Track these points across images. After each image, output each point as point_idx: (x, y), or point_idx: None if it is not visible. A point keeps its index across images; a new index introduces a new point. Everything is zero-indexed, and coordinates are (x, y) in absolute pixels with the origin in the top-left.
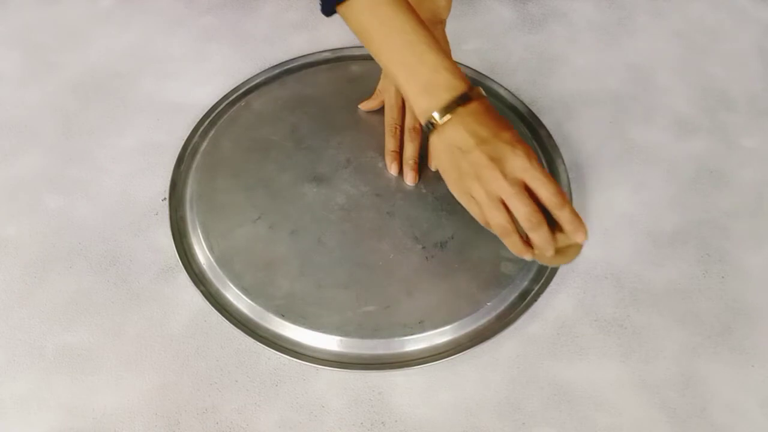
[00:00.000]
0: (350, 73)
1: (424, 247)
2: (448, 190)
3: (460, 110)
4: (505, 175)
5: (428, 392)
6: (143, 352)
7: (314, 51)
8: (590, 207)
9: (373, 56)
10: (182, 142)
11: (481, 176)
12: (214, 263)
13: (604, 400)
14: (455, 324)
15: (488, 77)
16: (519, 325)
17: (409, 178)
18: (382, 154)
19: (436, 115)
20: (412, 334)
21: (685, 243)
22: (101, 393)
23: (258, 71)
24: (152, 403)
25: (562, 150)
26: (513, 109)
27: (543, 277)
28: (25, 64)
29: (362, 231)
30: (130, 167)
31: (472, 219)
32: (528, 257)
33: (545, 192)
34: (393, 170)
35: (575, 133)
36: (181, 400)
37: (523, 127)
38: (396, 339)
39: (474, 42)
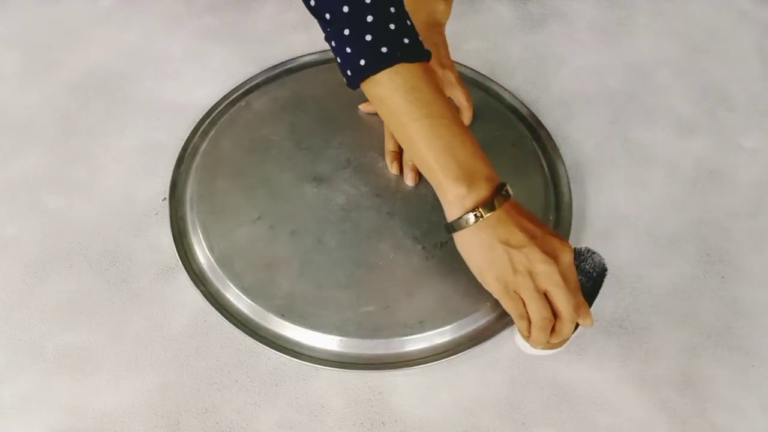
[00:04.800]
0: None
1: (424, 247)
2: None
3: (505, 204)
4: (558, 269)
5: (428, 392)
6: (143, 352)
7: (314, 51)
8: (590, 207)
9: (394, 132)
10: (182, 142)
11: (535, 271)
12: (214, 263)
13: (604, 400)
14: (455, 324)
15: (488, 77)
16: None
17: (410, 179)
18: (382, 154)
19: (481, 211)
20: (412, 334)
21: (685, 243)
22: (101, 393)
23: (258, 71)
24: (152, 403)
25: (562, 150)
26: (513, 109)
27: None
28: (25, 64)
29: (362, 231)
30: (130, 167)
31: None
32: (538, 349)
33: (573, 280)
34: (394, 170)
35: (575, 133)
36: (181, 400)
37: (523, 127)
38: (396, 339)
39: (474, 42)
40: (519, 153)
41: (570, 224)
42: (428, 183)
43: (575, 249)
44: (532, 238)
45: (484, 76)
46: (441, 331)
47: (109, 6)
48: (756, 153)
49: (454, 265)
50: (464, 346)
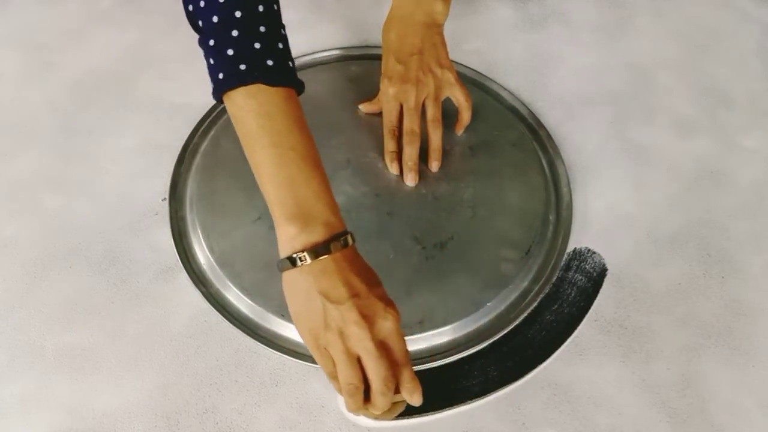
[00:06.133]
0: (350, 73)
1: (424, 247)
2: (447, 190)
3: (336, 254)
4: (372, 335)
5: (428, 392)
6: (143, 352)
7: (314, 51)
8: (590, 207)
9: (246, 156)
10: (182, 142)
11: (347, 333)
12: (214, 263)
13: (604, 400)
14: (455, 324)
15: (488, 77)
16: (519, 325)
17: (410, 179)
18: (382, 155)
19: (305, 254)
20: (412, 334)
21: (685, 243)
22: (101, 393)
23: None
24: (152, 403)
25: (562, 150)
26: (513, 109)
27: (543, 277)
28: (25, 64)
29: (362, 231)
30: (130, 167)
31: (471, 220)
32: (360, 414)
33: (399, 351)
34: (394, 170)
35: (575, 133)
36: (181, 400)
37: (523, 127)
38: None
39: (474, 42)
40: (519, 153)
41: (570, 224)
42: (428, 183)
43: (575, 249)
44: (354, 296)
45: (484, 76)
46: (441, 331)
47: (109, 6)
48: (756, 153)
49: (454, 265)
50: (464, 346)
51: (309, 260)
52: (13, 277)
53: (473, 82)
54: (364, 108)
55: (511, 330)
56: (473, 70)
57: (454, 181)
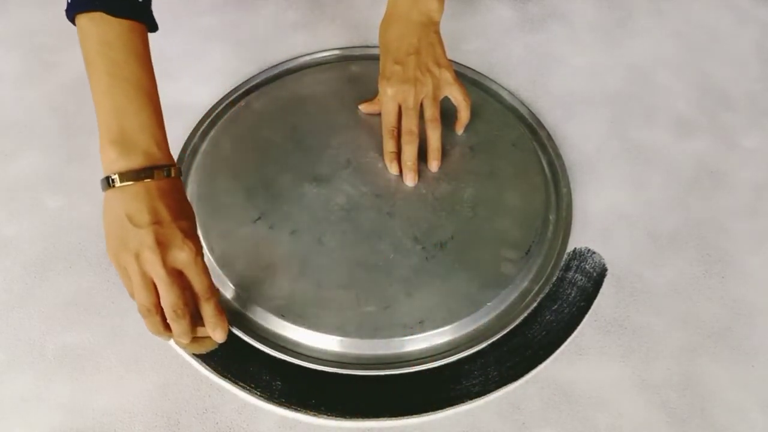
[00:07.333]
0: (350, 73)
1: (424, 248)
2: (447, 190)
3: (150, 182)
4: (164, 262)
5: (428, 392)
6: (143, 352)
7: (314, 51)
8: (590, 207)
9: (88, 78)
10: (182, 143)
11: (141, 256)
12: (214, 263)
13: (604, 400)
14: (455, 324)
15: (488, 77)
16: (519, 325)
17: (409, 179)
18: (382, 155)
19: (116, 177)
20: (412, 334)
21: (685, 243)
22: (101, 393)
23: (258, 71)
24: (152, 403)
25: (562, 150)
26: (513, 109)
27: (543, 277)
28: (25, 64)
29: (362, 231)
30: None
31: (471, 220)
32: (164, 339)
33: (198, 285)
34: (393, 170)
35: (575, 133)
36: (181, 400)
37: (523, 127)
38: (396, 339)
39: (474, 42)
40: (519, 153)
41: (570, 224)
42: (428, 183)
43: (575, 249)
44: (155, 223)
45: (484, 75)
46: (441, 331)
47: None
48: (756, 153)
49: (454, 265)
50: (464, 346)
51: (119, 183)
52: (13, 277)
53: (473, 82)
54: (363, 108)
55: (511, 330)
56: (473, 70)
57: (454, 181)
